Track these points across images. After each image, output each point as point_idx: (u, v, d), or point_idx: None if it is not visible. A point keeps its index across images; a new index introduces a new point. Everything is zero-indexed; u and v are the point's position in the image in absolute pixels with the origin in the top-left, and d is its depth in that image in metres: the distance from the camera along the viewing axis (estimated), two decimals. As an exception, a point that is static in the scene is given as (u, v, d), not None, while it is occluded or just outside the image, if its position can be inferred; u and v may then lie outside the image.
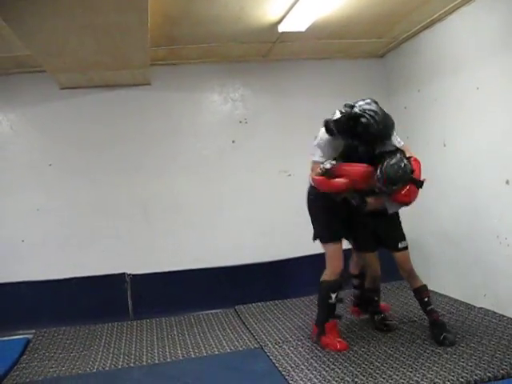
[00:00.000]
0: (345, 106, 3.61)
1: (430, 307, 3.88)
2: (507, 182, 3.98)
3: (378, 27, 4.80)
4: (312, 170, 3.79)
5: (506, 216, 4.05)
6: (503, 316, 4.05)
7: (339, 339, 3.85)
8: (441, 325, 3.81)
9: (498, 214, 4.13)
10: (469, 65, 4.34)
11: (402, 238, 4.01)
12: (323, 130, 3.75)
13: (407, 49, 5.28)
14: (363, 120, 3.48)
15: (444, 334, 3.69)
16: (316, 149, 3.78)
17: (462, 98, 4.47)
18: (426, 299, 3.88)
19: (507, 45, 3.87)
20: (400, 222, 4.07)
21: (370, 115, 3.49)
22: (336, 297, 3.85)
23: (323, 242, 3.91)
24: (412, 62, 5.22)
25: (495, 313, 4.15)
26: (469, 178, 4.47)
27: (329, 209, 3.86)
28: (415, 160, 3.70)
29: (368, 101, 3.60)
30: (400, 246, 3.95)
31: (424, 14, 4.52)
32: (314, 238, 3.96)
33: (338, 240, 3.90)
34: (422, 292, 3.91)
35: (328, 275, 3.88)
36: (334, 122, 3.61)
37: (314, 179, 3.75)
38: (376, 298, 4.27)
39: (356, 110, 3.53)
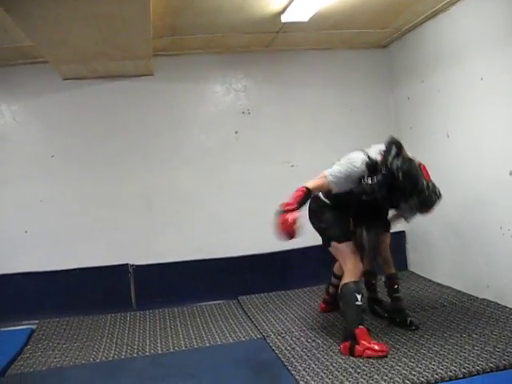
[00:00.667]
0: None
1: (396, 294, 4.01)
2: (511, 173, 3.96)
3: (381, 17, 4.77)
4: (321, 182, 3.60)
5: (509, 207, 4.04)
6: (506, 307, 4.05)
7: (375, 342, 3.51)
8: (403, 310, 3.98)
9: (502, 205, 4.13)
10: (472, 55, 4.31)
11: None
12: (362, 158, 3.52)
13: (411, 39, 5.25)
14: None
15: (409, 318, 3.88)
16: (337, 168, 3.58)
17: (465, 88, 4.45)
18: (396, 286, 4.02)
19: (509, 35, 3.84)
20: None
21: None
22: (362, 297, 3.59)
23: (341, 241, 3.70)
24: (415, 52, 5.19)
25: (498, 304, 4.15)
26: (472, 169, 4.46)
27: (338, 210, 3.79)
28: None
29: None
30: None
31: (427, 5, 4.49)
32: (329, 242, 3.77)
33: (351, 239, 3.78)
34: (393, 279, 4.04)
35: (349, 276, 3.62)
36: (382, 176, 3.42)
37: (315, 186, 3.60)
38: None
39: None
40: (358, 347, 3.45)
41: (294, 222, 3.42)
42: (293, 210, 3.45)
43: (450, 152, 4.76)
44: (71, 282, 5.06)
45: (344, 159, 3.62)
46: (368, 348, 3.42)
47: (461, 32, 4.44)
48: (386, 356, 3.37)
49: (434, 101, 4.94)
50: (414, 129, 4.95)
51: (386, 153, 3.51)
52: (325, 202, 3.83)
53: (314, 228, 3.91)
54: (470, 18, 4.29)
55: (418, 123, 5.13)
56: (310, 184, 3.59)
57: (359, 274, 3.69)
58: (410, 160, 3.52)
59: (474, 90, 4.32)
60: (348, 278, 3.63)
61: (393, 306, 4.05)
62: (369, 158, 3.53)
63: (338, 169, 3.56)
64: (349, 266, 3.67)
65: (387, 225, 4.10)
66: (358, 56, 5.71)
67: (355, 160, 3.54)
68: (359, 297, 3.56)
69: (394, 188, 3.43)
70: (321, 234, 3.90)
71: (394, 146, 3.53)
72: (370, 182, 3.44)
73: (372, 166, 3.48)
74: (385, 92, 5.74)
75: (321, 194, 3.83)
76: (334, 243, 3.76)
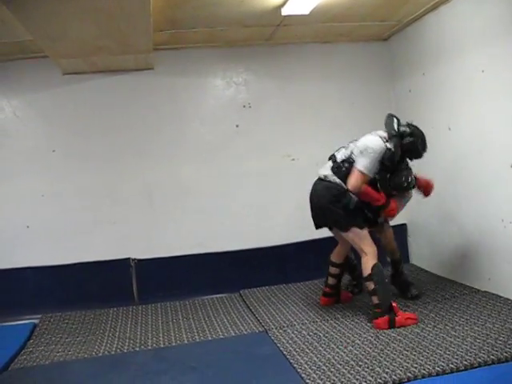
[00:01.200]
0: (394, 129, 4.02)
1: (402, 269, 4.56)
2: (512, 166, 3.97)
3: (382, 10, 4.74)
4: (357, 179, 3.90)
5: (510, 200, 4.04)
6: (508, 299, 4.05)
7: (408, 313, 3.95)
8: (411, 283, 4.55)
9: (503, 197, 4.12)
10: (474, 48, 4.30)
11: None
12: (381, 144, 3.94)
13: (411, 32, 5.23)
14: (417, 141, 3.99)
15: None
16: (369, 162, 3.91)
17: (467, 81, 4.44)
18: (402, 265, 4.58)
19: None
20: None
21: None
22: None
23: (360, 227, 3.99)
24: (416, 45, 5.17)
25: (499, 296, 4.15)
26: (474, 162, 4.45)
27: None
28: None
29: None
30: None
31: (429, -4, 4.48)
32: (349, 226, 4.00)
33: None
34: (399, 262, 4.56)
35: (372, 258, 3.92)
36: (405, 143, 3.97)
37: (357, 187, 3.90)
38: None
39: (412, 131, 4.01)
40: (398, 318, 3.79)
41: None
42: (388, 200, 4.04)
43: (452, 145, 4.75)
44: (73, 276, 5.07)
45: (362, 147, 3.95)
46: (408, 317, 3.84)
47: (462, 24, 4.42)
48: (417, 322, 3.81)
49: (435, 94, 4.93)
50: (416, 122, 4.89)
51: (390, 124, 4.02)
52: (346, 188, 3.98)
53: (332, 213, 4.03)
54: (471, 9, 4.27)
55: (420, 116, 5.10)
56: (358, 183, 3.90)
57: (377, 256, 3.98)
58: (413, 126, 4.06)
59: (476, 83, 4.30)
60: (373, 260, 3.91)
61: (400, 279, 4.53)
62: (380, 137, 3.97)
63: (367, 161, 3.90)
64: (370, 249, 3.96)
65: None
66: (358, 49, 5.69)
67: (375, 148, 3.91)
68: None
69: (405, 151, 3.99)
70: (339, 219, 4.03)
71: (395, 118, 4.06)
72: (390, 147, 3.91)
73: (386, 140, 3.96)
74: (386, 85, 5.72)
75: (342, 182, 3.99)
76: (354, 228, 3.99)
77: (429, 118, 5.01)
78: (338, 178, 4.01)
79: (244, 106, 5.49)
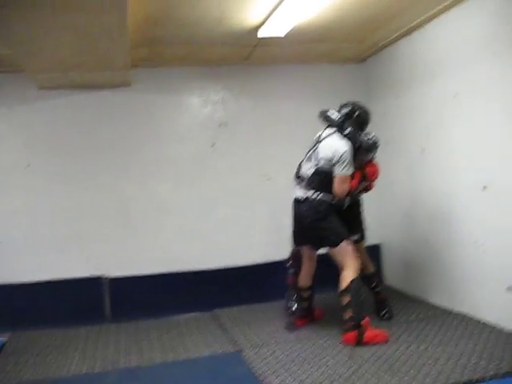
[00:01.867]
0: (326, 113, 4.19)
1: (378, 289, 4.57)
2: (484, 188, 4.02)
3: (358, 32, 4.84)
4: (343, 183, 4.01)
5: (483, 222, 4.10)
6: (479, 321, 4.10)
7: (379, 329, 3.95)
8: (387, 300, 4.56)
9: (476, 219, 4.18)
10: (446, 72, 4.39)
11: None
12: (343, 143, 4.02)
13: (387, 55, 5.33)
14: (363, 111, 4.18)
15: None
16: (346, 163, 3.99)
17: (439, 104, 4.52)
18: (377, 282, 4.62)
19: (483, 53, 3.93)
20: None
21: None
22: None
23: (345, 241, 4.01)
24: (391, 68, 5.27)
25: (472, 317, 4.20)
26: (447, 184, 4.52)
27: (336, 215, 4.09)
28: None
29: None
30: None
31: (403, 22, 4.58)
32: (337, 243, 4.01)
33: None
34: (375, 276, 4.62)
35: (353, 272, 3.93)
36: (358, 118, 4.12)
37: (345, 192, 4.04)
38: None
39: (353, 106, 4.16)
40: (367, 335, 3.81)
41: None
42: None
43: (425, 167, 4.82)
44: (44, 294, 4.97)
45: (334, 157, 3.99)
46: (377, 335, 3.85)
47: (434, 49, 4.53)
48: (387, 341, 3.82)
49: (408, 116, 5.00)
50: (390, 144, 4.99)
51: (328, 117, 4.16)
52: (331, 204, 4.05)
53: (321, 232, 4.06)
54: (444, 35, 4.37)
55: (394, 138, 5.19)
56: (345, 188, 4.04)
57: (358, 271, 4.00)
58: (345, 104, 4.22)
59: (448, 106, 4.39)
60: (353, 274, 3.92)
61: (378, 297, 4.55)
62: (339, 137, 4.06)
63: (345, 165, 3.98)
64: (353, 263, 3.97)
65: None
66: (335, 70, 5.77)
67: (347, 154, 3.99)
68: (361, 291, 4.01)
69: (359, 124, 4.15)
70: (328, 236, 4.04)
71: (327, 111, 4.17)
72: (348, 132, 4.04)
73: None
74: (361, 106, 5.77)
75: (326, 198, 4.04)
76: (343, 243, 4.00)
77: (402, 141, 5.09)
78: (316, 190, 4.04)
79: (220, 125, 5.50)
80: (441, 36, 4.42)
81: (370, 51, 5.46)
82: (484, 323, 4.04)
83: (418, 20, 4.50)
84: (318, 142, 4.16)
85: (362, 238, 4.52)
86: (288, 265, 4.52)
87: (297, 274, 4.49)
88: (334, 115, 4.13)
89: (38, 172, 5.07)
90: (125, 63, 4.53)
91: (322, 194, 4.04)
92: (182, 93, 5.45)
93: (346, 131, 4.04)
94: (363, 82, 5.80)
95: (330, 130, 4.16)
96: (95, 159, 5.19)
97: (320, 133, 4.23)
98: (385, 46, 5.24)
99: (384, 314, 4.44)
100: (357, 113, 4.12)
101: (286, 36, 4.44)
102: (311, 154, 4.18)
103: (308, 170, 4.15)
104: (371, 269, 4.56)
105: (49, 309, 4.93)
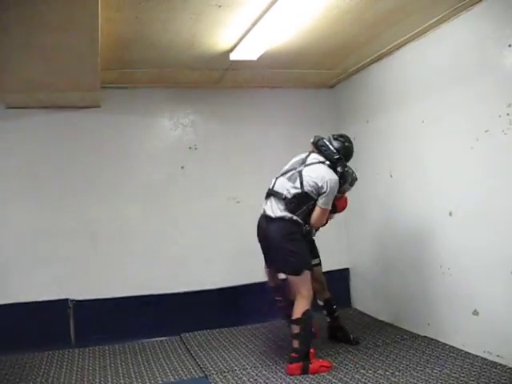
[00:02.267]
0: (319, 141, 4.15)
1: (336, 314, 4.53)
2: (450, 214, 4.08)
3: (328, 59, 4.90)
4: (324, 215, 3.99)
5: (448, 246, 4.15)
6: (446, 344, 4.13)
7: (321, 360, 3.95)
8: (344, 328, 4.56)
9: (442, 244, 4.23)
10: (415, 98, 4.47)
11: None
12: (334, 176, 3.96)
13: (356, 81, 5.41)
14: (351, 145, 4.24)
15: (351, 335, 4.49)
16: (331, 197, 3.97)
17: (408, 130, 4.60)
18: (335, 307, 4.55)
19: (450, 80, 4.02)
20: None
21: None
22: None
23: (308, 270, 3.93)
24: (361, 93, 5.34)
25: (438, 341, 4.23)
26: (414, 209, 4.57)
27: (304, 242, 4.02)
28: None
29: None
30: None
31: (373, 48, 4.66)
32: (301, 270, 3.89)
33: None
34: (331, 302, 4.54)
35: (307, 303, 3.88)
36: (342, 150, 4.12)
37: (322, 223, 4.06)
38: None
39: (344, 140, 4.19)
40: (312, 365, 3.82)
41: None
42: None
43: (393, 192, 4.88)
44: (7, 317, 4.83)
45: (322, 187, 3.91)
46: (322, 365, 3.85)
47: (403, 75, 4.62)
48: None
49: (378, 141, 5.07)
50: (359, 169, 5.01)
51: (327, 148, 4.09)
52: (304, 229, 3.98)
53: (286, 252, 3.91)
54: (413, 62, 4.46)
55: (363, 163, 5.23)
56: (323, 219, 4.05)
57: (311, 302, 3.95)
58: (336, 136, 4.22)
59: (416, 132, 4.47)
60: (307, 305, 3.87)
61: (335, 324, 4.54)
62: (329, 167, 4.02)
63: (329, 198, 3.95)
64: (308, 294, 3.90)
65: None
66: (305, 95, 5.83)
67: (335, 186, 3.97)
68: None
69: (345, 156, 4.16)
70: (292, 261, 3.91)
71: (325, 140, 4.12)
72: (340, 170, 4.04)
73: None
74: (331, 131, 5.72)
75: (301, 220, 3.95)
76: (305, 271, 3.91)
77: (372, 165, 5.14)
78: (293, 213, 3.91)
79: (190, 148, 5.49)
80: (410, 63, 4.51)
81: (340, 77, 5.54)
82: (450, 347, 4.07)
83: (389, 46, 4.58)
84: (304, 164, 4.04)
85: (320, 262, 4.50)
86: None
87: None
88: (330, 150, 4.05)
89: (1, 191, 4.96)
90: (94, 84, 4.49)
91: (298, 218, 3.92)
92: (152, 115, 5.44)
93: (339, 169, 4.01)
94: (333, 107, 5.87)
95: (317, 157, 4.07)
96: (62, 180, 5.12)
97: (304, 156, 4.12)
98: (354, 72, 5.32)
99: (347, 340, 4.44)
100: (346, 144, 4.14)
101: (257, 60, 4.47)
102: (293, 175, 4.01)
103: (288, 189, 3.95)
104: (327, 295, 4.49)
105: (10, 333, 4.76)
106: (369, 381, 3.56)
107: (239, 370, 4.00)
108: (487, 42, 3.64)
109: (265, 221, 4.03)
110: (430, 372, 3.61)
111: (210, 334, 5.05)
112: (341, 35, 4.23)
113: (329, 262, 4.80)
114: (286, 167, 4.15)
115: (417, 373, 3.62)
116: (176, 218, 5.38)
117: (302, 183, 3.93)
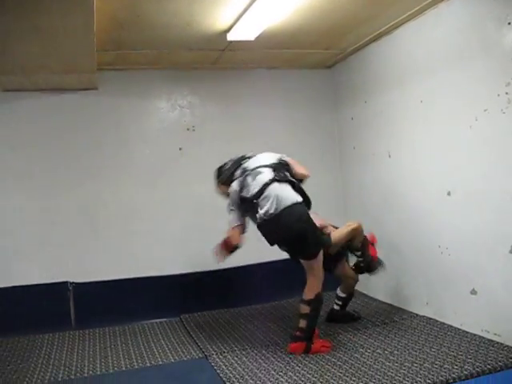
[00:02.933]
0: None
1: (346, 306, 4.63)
2: (449, 194, 4.08)
3: (326, 39, 4.86)
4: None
5: (447, 226, 4.16)
6: (444, 324, 4.16)
7: (322, 340, 3.99)
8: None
9: (440, 224, 4.24)
10: (413, 78, 4.44)
11: None
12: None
13: (354, 61, 5.37)
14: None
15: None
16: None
17: (406, 110, 4.58)
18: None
19: (449, 60, 3.99)
20: None
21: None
22: None
23: (322, 249, 3.92)
24: (359, 73, 5.31)
25: (436, 321, 4.26)
26: (413, 189, 4.57)
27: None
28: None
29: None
30: None
31: (371, 28, 4.61)
32: (320, 249, 3.90)
33: None
34: None
35: (320, 285, 3.88)
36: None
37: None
38: None
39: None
40: (314, 345, 3.85)
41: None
42: None
43: (391, 172, 4.87)
44: (7, 300, 4.86)
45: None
46: (323, 345, 3.88)
47: (402, 55, 4.58)
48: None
49: (376, 121, 5.05)
50: (357, 149, 5.04)
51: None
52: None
53: (306, 241, 3.83)
54: (411, 42, 4.43)
55: (361, 143, 5.24)
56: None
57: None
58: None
59: (415, 112, 4.44)
60: (319, 287, 3.87)
61: (340, 313, 4.61)
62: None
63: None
64: (321, 274, 3.91)
65: None
66: (303, 75, 5.80)
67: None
68: None
69: None
70: (310, 244, 3.85)
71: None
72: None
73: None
74: (329, 112, 5.83)
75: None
76: (320, 254, 3.89)
77: (370, 145, 5.13)
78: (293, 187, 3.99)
79: (188, 129, 5.47)
80: (408, 42, 4.48)
81: (337, 57, 5.49)
82: (448, 326, 4.10)
83: (387, 26, 4.54)
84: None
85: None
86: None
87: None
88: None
89: (0, 175, 4.96)
90: (90, 66, 4.46)
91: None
92: (149, 96, 5.41)
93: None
94: (331, 87, 5.84)
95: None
96: (60, 163, 5.11)
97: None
98: (353, 52, 5.28)
99: (348, 320, 4.54)
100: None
101: (255, 40, 4.44)
102: (251, 174, 4.26)
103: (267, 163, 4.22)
104: (353, 290, 4.70)
105: (11, 316, 4.81)
106: (368, 360, 3.59)
107: (239, 351, 4.03)
108: (486, 20, 3.60)
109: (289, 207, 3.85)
110: (428, 351, 3.63)
111: (209, 315, 5.08)
112: (338, 13, 4.17)
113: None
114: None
115: (415, 352, 3.64)
116: (174, 199, 5.38)
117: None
